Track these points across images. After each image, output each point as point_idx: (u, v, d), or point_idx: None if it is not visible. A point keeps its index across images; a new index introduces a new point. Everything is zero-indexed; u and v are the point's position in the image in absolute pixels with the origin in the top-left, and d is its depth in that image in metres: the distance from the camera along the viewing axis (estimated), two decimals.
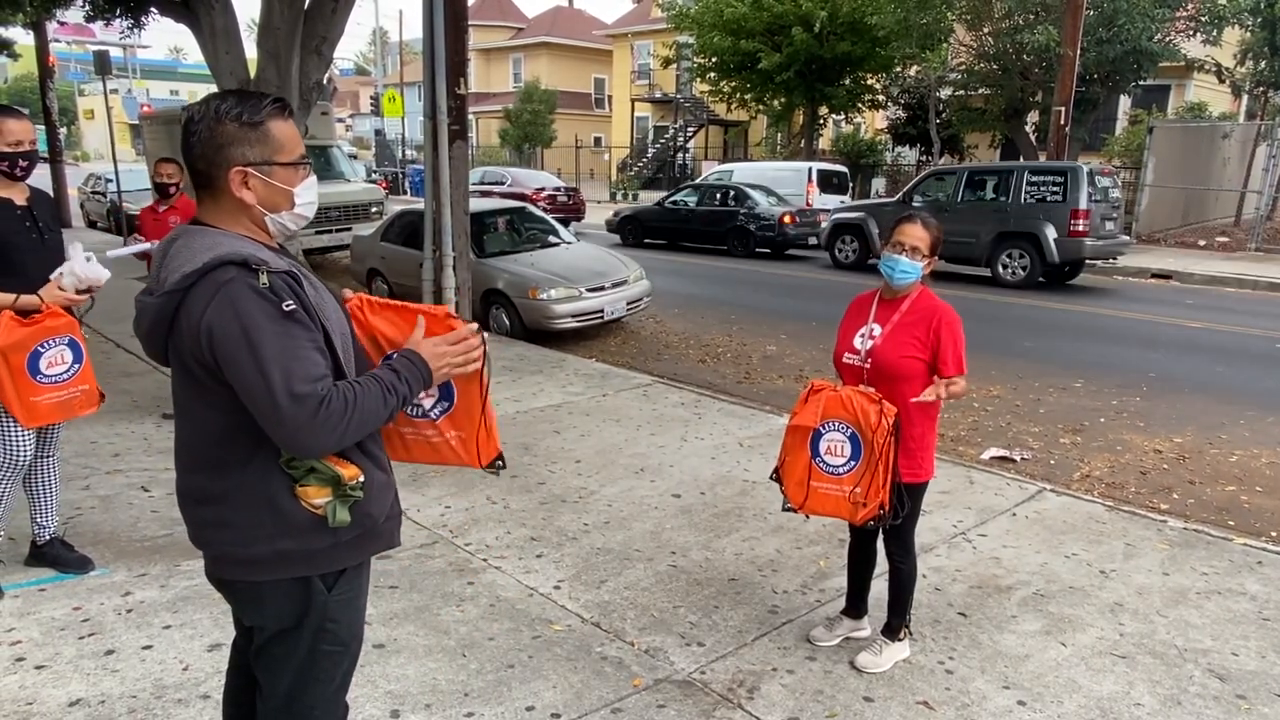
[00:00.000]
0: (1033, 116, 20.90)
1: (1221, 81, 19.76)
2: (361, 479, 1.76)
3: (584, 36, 46.41)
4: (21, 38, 21.06)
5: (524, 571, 3.84)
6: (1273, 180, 17.78)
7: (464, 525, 4.30)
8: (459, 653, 3.18)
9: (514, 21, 50.52)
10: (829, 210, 16.67)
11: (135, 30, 11.38)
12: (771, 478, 3.19)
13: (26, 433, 3.44)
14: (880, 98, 26.99)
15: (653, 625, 3.42)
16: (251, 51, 9.25)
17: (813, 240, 16.44)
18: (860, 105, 27.03)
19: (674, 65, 31.69)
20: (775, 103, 26.98)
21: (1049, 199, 12.63)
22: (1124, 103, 23.98)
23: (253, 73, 9.26)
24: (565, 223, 15.00)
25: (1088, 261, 13.31)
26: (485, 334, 1.99)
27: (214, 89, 7.64)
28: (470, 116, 20.85)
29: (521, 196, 18.34)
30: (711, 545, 4.16)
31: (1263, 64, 18.92)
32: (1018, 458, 5.73)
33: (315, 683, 1.88)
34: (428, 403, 2.12)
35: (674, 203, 18.36)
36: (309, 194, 1.83)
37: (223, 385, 1.65)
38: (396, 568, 3.80)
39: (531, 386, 6.91)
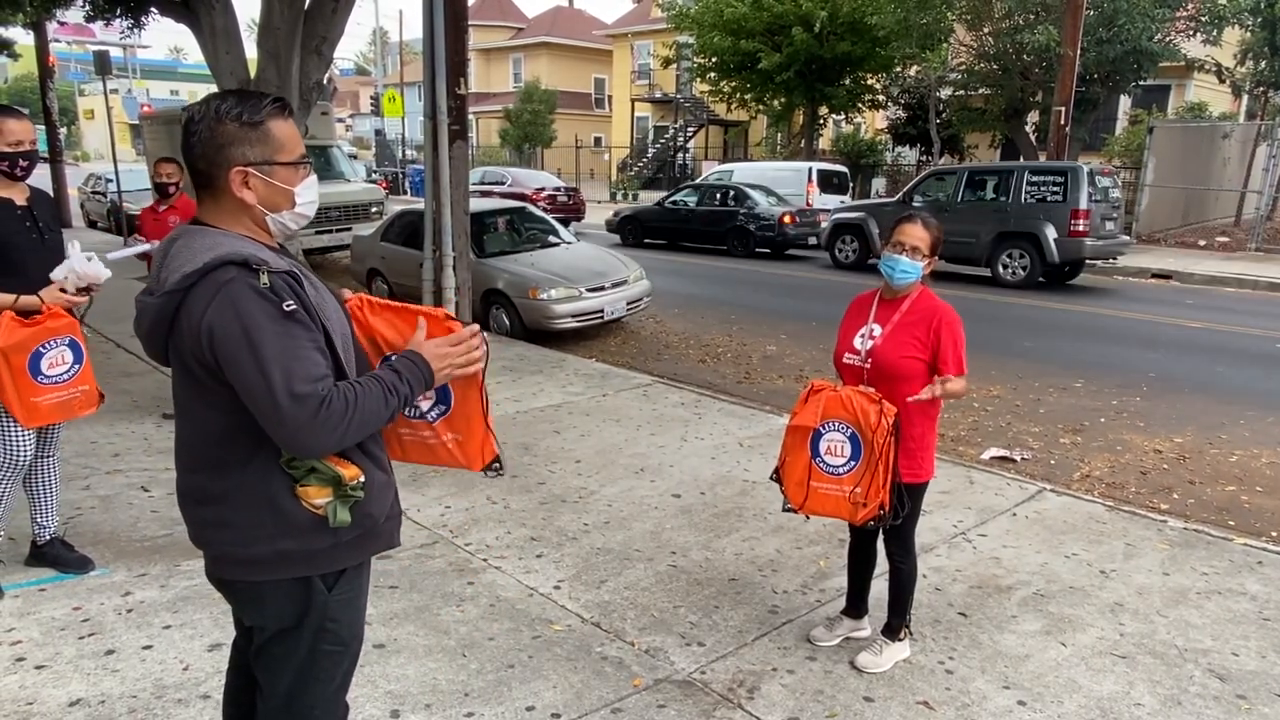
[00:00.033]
0: (1033, 116, 20.90)
1: (1222, 81, 19.76)
2: (362, 479, 1.76)
3: (584, 36, 46.42)
4: (21, 38, 21.08)
5: (524, 571, 3.84)
6: (1273, 180, 17.78)
7: (464, 525, 4.30)
8: (459, 653, 3.18)
9: (514, 21, 50.53)
10: (829, 210, 16.67)
11: (135, 30, 11.38)
12: (772, 478, 3.19)
13: (26, 433, 3.44)
14: (880, 98, 26.99)
15: (653, 625, 3.42)
16: (251, 51, 9.25)
17: (812, 240, 16.43)
18: (860, 105, 27.03)
19: (674, 65, 31.69)
20: (775, 103, 26.98)
21: (1049, 199, 12.63)
22: (1124, 103, 23.98)
23: (253, 73, 9.26)
24: (565, 223, 15.01)
25: (1088, 261, 13.30)
26: (485, 335, 1.99)
27: (214, 89, 7.64)
28: (470, 116, 20.84)
29: (521, 196, 18.34)
30: (711, 545, 4.16)
31: (1263, 64, 18.91)
32: (1018, 458, 5.73)
33: (315, 682, 1.88)
34: (425, 405, 2.11)
35: (674, 203, 18.36)
36: (309, 193, 1.83)
37: (223, 385, 1.65)
38: (396, 568, 3.80)
39: (531, 386, 6.91)
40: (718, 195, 17.76)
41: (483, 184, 21.79)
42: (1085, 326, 10.10)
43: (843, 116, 29.53)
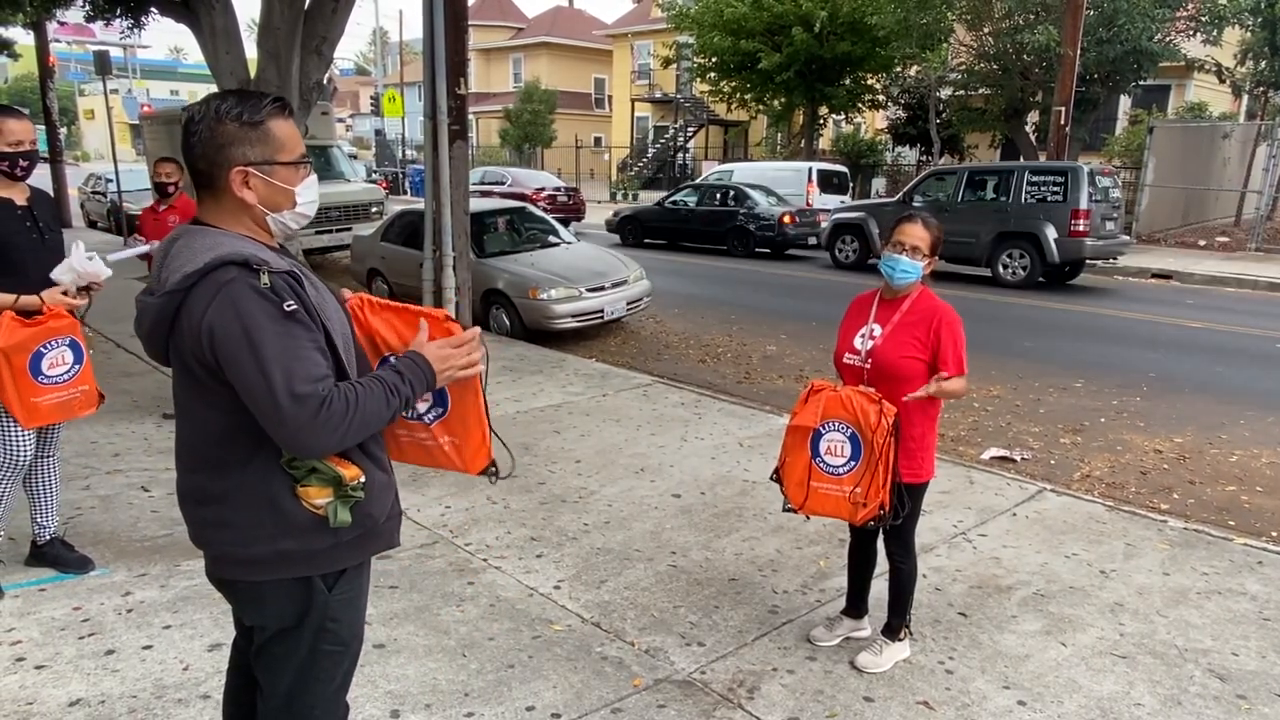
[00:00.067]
0: (1033, 116, 20.90)
1: (1222, 81, 19.76)
2: (363, 479, 1.76)
3: (584, 36, 46.42)
4: (22, 38, 21.09)
5: (524, 571, 3.84)
6: (1273, 180, 17.78)
7: (464, 525, 4.30)
8: (459, 653, 3.18)
9: (514, 21, 50.53)
10: (829, 210, 16.67)
11: (135, 30, 11.37)
12: (772, 478, 3.19)
13: (27, 433, 3.44)
14: (880, 98, 26.99)
15: (653, 625, 3.42)
16: (252, 51, 9.25)
17: (812, 240, 16.43)
18: (860, 105, 27.03)
19: (674, 65, 31.69)
20: (775, 103, 26.98)
21: (1049, 199, 12.63)
22: (1124, 103, 23.99)
23: (253, 73, 9.26)
24: (565, 223, 15.01)
25: (1088, 261, 13.30)
26: (483, 335, 1.99)
27: (214, 89, 7.64)
28: (470, 116, 20.86)
29: (521, 196, 18.35)
30: (711, 545, 4.16)
31: (1263, 64, 18.91)
32: (1018, 458, 5.73)
33: (316, 682, 1.88)
34: (422, 406, 2.10)
35: (674, 203, 18.36)
36: (310, 193, 1.83)
37: (224, 385, 1.65)
38: (397, 568, 3.80)
39: (531, 386, 6.91)
40: (718, 195, 17.76)
41: (483, 184, 21.79)
42: (1085, 326, 10.10)
43: (843, 116, 29.53)
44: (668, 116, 39.08)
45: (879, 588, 3.35)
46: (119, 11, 10.65)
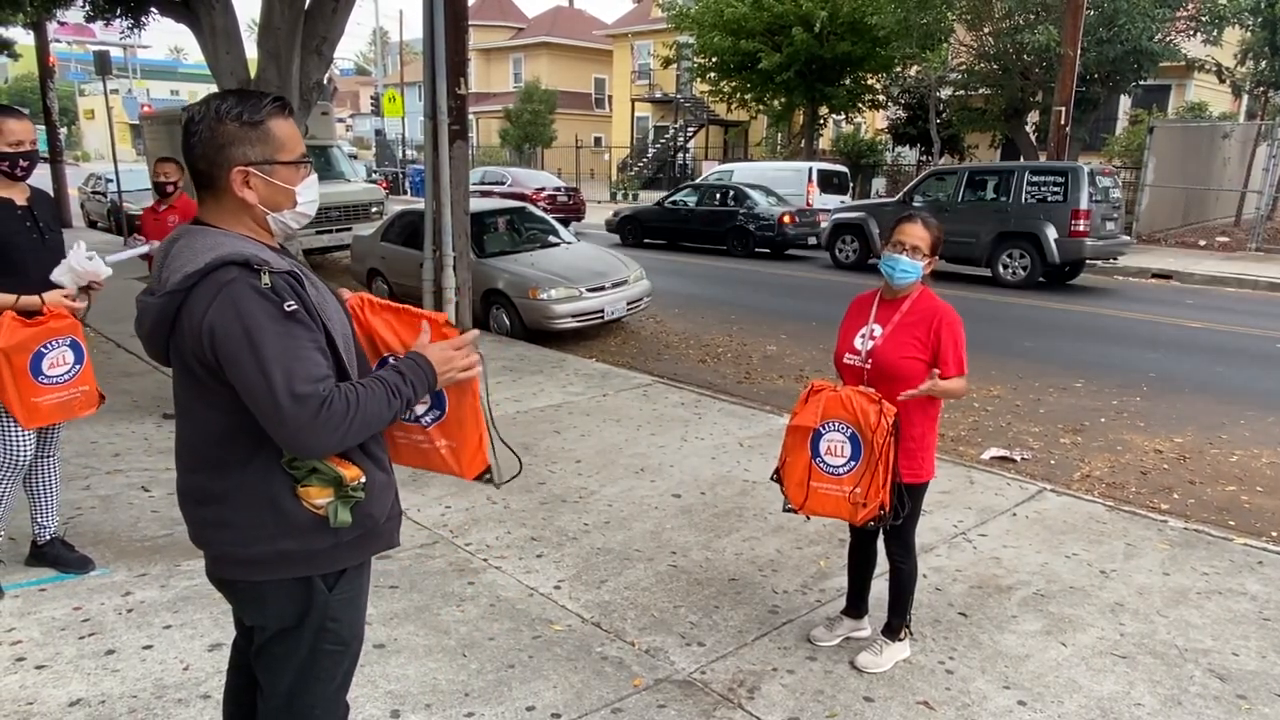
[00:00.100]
0: (1033, 116, 20.90)
1: (1222, 81, 19.75)
2: (363, 480, 1.77)
3: (584, 36, 46.42)
4: (22, 38, 21.09)
5: (524, 571, 3.84)
6: (1273, 180, 17.77)
7: (464, 525, 4.30)
8: (459, 653, 3.18)
9: (514, 21, 50.53)
10: (829, 210, 16.67)
11: (135, 30, 11.38)
12: (772, 478, 3.19)
13: (27, 433, 3.44)
14: (880, 98, 26.99)
15: (653, 625, 3.42)
16: (252, 51, 9.25)
17: (812, 240, 16.44)
18: (860, 105, 27.03)
19: (674, 65, 31.69)
20: (775, 103, 26.98)
21: (1050, 199, 12.63)
22: (1124, 103, 23.98)
23: (253, 73, 9.26)
24: (565, 223, 15.01)
25: (1088, 261, 13.30)
26: (483, 336, 1.99)
27: (214, 89, 7.65)
28: (470, 116, 20.85)
29: (522, 196, 18.35)
30: (712, 545, 4.16)
31: (1263, 64, 18.91)
32: (1018, 458, 5.73)
33: (316, 682, 1.88)
34: (420, 409, 2.10)
35: (674, 203, 18.36)
36: (310, 192, 1.83)
37: (224, 385, 1.65)
38: (397, 568, 3.80)
39: (532, 386, 6.91)
40: (717, 195, 17.76)
41: (483, 184, 21.79)
42: (1085, 326, 10.11)
43: (843, 116, 29.54)
44: (668, 116, 39.08)
45: (879, 588, 3.35)
46: (119, 11, 10.65)
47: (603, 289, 9.09)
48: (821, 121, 28.32)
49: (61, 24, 22.18)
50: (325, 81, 11.73)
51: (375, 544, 1.90)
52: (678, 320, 10.37)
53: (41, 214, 3.47)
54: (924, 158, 26.68)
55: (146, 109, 21.00)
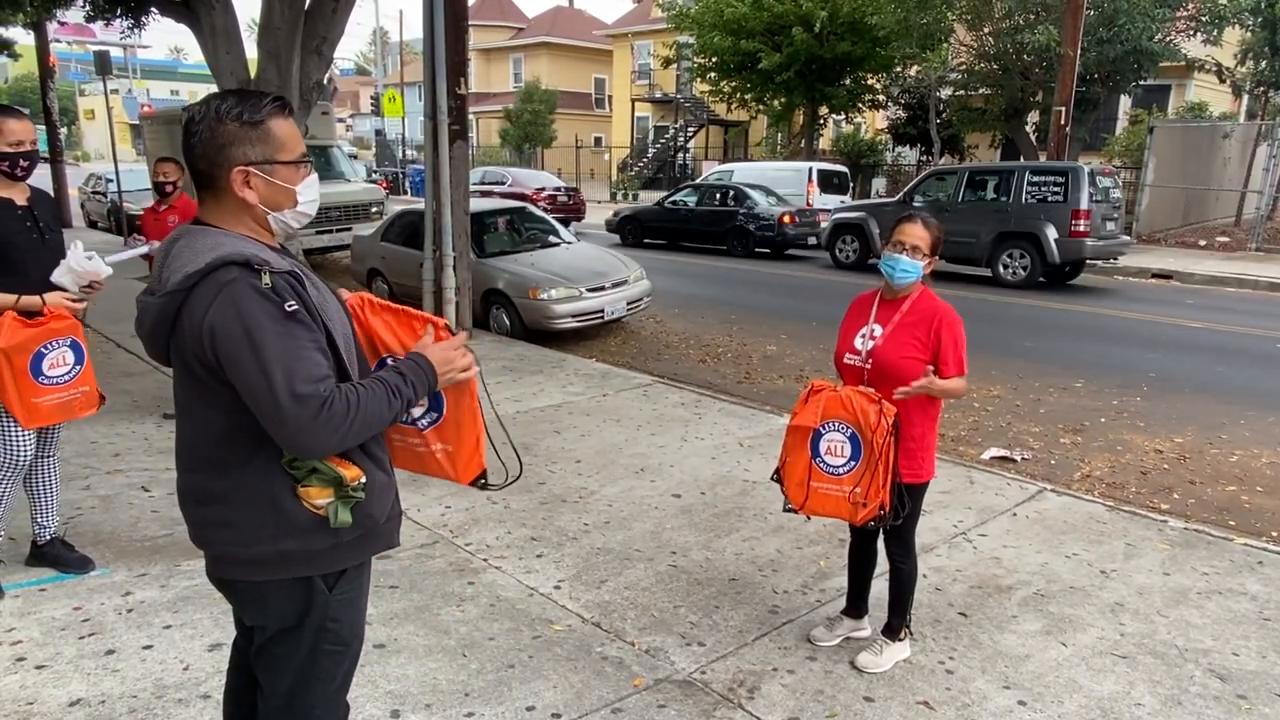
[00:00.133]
0: (1033, 116, 20.90)
1: (1222, 81, 19.75)
2: (363, 480, 1.77)
3: (584, 36, 46.42)
4: (22, 38, 21.10)
5: (524, 571, 3.84)
6: (1273, 180, 17.77)
7: (464, 525, 4.30)
8: (459, 653, 3.18)
9: (514, 21, 50.53)
10: (829, 210, 16.67)
11: (135, 30, 11.37)
12: (773, 478, 3.19)
13: (27, 433, 3.44)
14: (880, 98, 26.99)
15: (653, 625, 3.42)
16: (252, 51, 9.25)
17: (812, 240, 16.44)
18: (860, 105, 27.03)
19: (674, 65, 31.69)
20: (775, 103, 26.98)
21: (1050, 199, 12.63)
22: (1124, 103, 23.98)
23: (253, 73, 9.26)
24: (565, 223, 15.01)
25: (1088, 261, 13.30)
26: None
27: (214, 89, 7.64)
28: (470, 116, 20.85)
29: (522, 196, 18.35)
30: (712, 545, 4.16)
31: (1263, 64, 18.91)
32: (1018, 458, 5.73)
33: (316, 682, 1.88)
34: (417, 411, 2.10)
35: (674, 203, 18.36)
36: (311, 192, 1.83)
37: (224, 385, 1.65)
38: (397, 568, 3.80)
39: (532, 386, 6.91)
40: (717, 195, 17.77)
41: (483, 184, 21.80)
42: (1086, 326, 10.11)
43: (843, 116, 29.54)
44: (668, 116, 39.08)
45: (879, 588, 3.35)
46: (119, 11, 10.65)
47: (603, 289, 9.09)
48: (821, 121, 28.32)
49: (61, 24, 22.19)
50: (325, 81, 11.73)
51: (375, 544, 1.90)
52: (678, 320, 10.37)
53: (42, 214, 3.47)
54: (924, 158, 26.68)
55: (146, 109, 21.00)
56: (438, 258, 8.21)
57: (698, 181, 21.73)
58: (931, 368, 2.86)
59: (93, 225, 20.41)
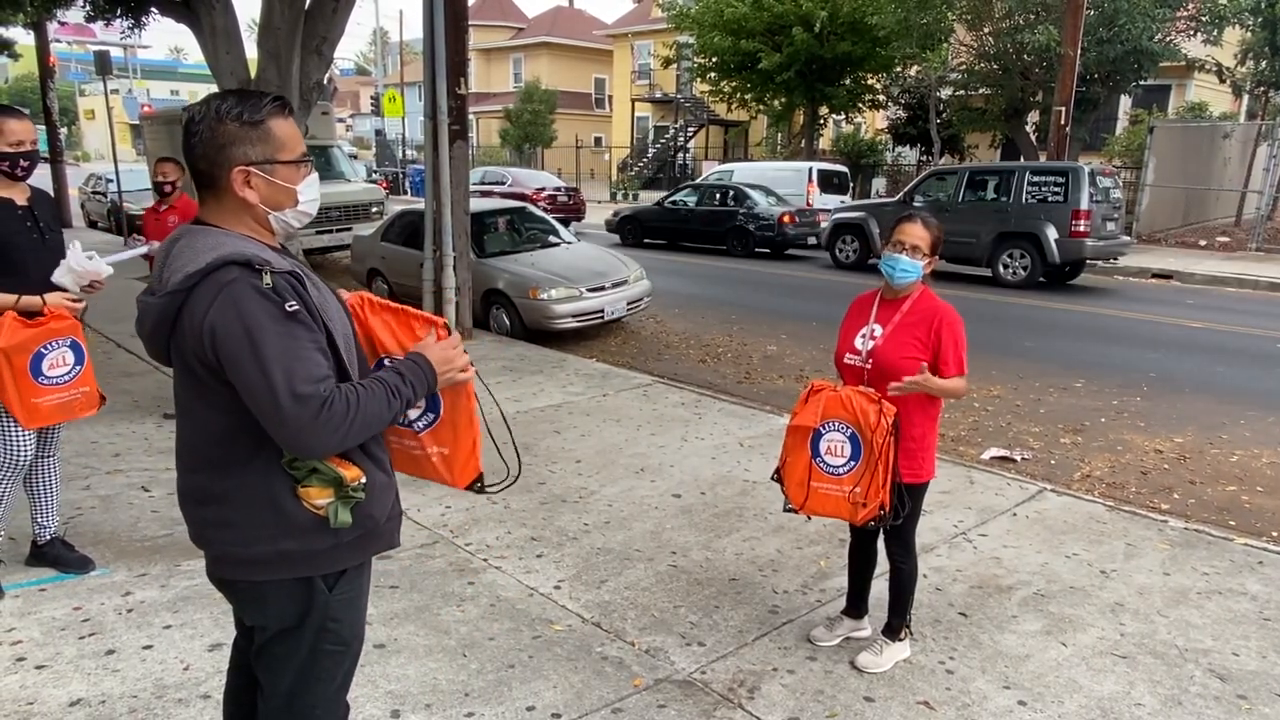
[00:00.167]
0: (1033, 116, 20.90)
1: (1222, 81, 19.75)
2: (363, 480, 1.77)
3: (584, 36, 46.42)
4: (22, 38, 21.10)
5: (524, 571, 3.84)
6: (1273, 180, 17.77)
7: (464, 525, 4.30)
8: (459, 653, 3.18)
9: (514, 21, 50.53)
10: (829, 210, 16.67)
11: (135, 30, 11.38)
12: (773, 478, 3.19)
13: (27, 433, 3.44)
14: (880, 98, 26.99)
15: (653, 625, 3.42)
16: (252, 51, 9.25)
17: (812, 240, 16.45)
18: (860, 105, 27.03)
19: (674, 65, 31.69)
20: (775, 103, 26.98)
21: (1050, 199, 12.63)
22: (1124, 103, 23.98)
23: (253, 73, 9.26)
24: (565, 223, 15.01)
25: (1088, 261, 13.30)
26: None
27: (214, 89, 7.64)
28: (470, 116, 20.84)
29: (522, 196, 18.35)
30: (712, 545, 4.16)
31: (1263, 64, 18.91)
32: (1018, 458, 5.73)
33: (316, 682, 1.88)
34: (413, 413, 2.09)
35: (673, 203, 18.36)
36: (311, 191, 1.83)
37: (225, 385, 1.66)
38: (397, 568, 3.80)
39: (532, 386, 6.91)
40: (717, 195, 17.77)
41: (483, 184, 21.80)
42: (1086, 326, 10.10)
43: (843, 116, 29.53)
44: (668, 116, 39.08)
45: (879, 588, 3.35)
46: (119, 11, 10.65)
47: (603, 289, 9.09)
48: (821, 121, 28.32)
49: (62, 24, 22.19)
50: (325, 81, 11.72)
51: (376, 544, 1.90)
52: (678, 320, 10.37)
53: (42, 214, 3.47)
54: (924, 158, 26.68)
55: (146, 109, 21.01)
56: (438, 258, 8.21)
57: (698, 181, 21.73)
58: (926, 364, 2.86)
59: (93, 225, 20.42)
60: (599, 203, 28.03)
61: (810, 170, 19.65)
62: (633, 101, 40.02)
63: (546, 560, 3.95)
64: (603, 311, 9.00)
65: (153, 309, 1.70)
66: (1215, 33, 17.47)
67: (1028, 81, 18.91)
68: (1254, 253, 16.84)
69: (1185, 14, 18.24)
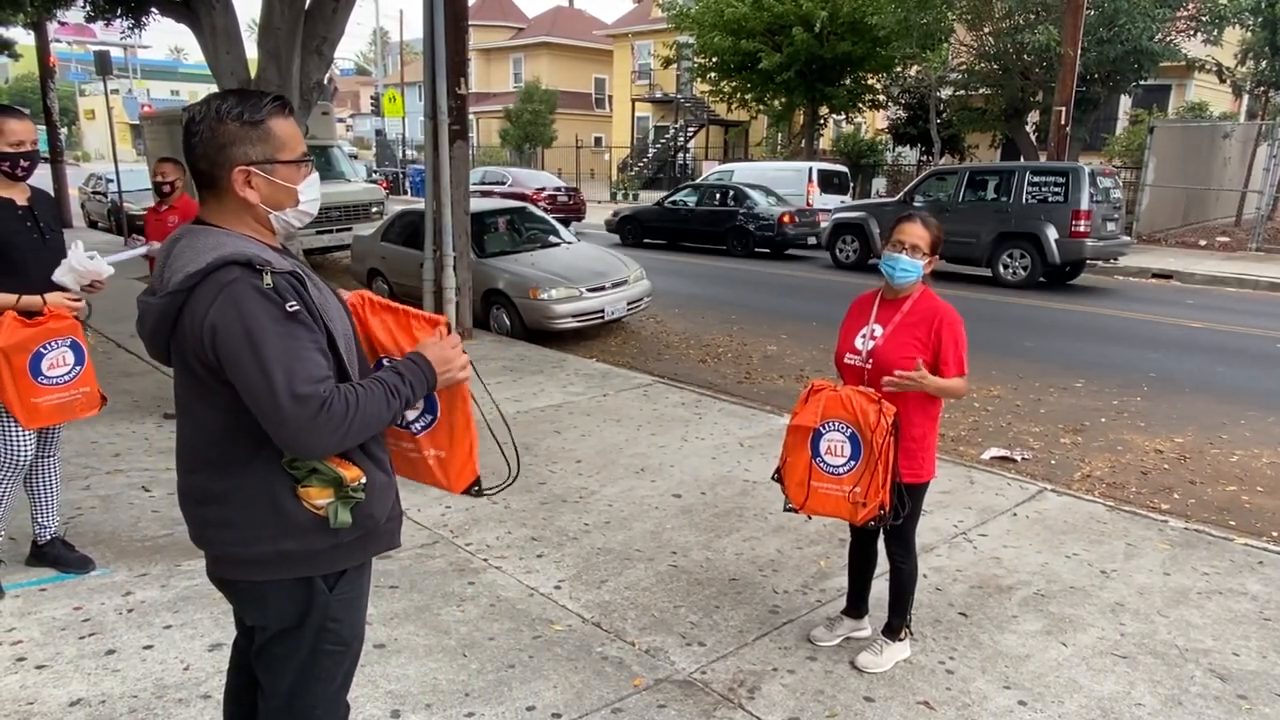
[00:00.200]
0: (1033, 116, 20.90)
1: (1222, 81, 19.75)
2: (363, 480, 1.77)
3: (584, 36, 46.42)
4: (22, 38, 21.11)
5: (524, 571, 3.84)
6: (1273, 180, 17.77)
7: (464, 525, 4.30)
8: (459, 653, 3.18)
9: (514, 21, 50.54)
10: (829, 210, 16.67)
11: (135, 30, 11.37)
12: (773, 478, 3.19)
13: (27, 433, 3.44)
14: (881, 98, 26.99)
15: (653, 625, 3.42)
16: (252, 51, 9.24)
17: (812, 240, 16.44)
18: (861, 105, 27.03)
19: (674, 65, 31.69)
20: (775, 103, 26.98)
21: (1050, 199, 12.63)
22: (1124, 103, 23.99)
23: (253, 73, 9.26)
24: (566, 223, 15.01)
25: (1088, 261, 13.30)
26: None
27: (215, 89, 7.64)
28: (470, 116, 20.82)
29: (522, 196, 18.35)
30: (712, 545, 4.16)
31: (1263, 64, 18.91)
32: (1018, 458, 5.73)
33: (317, 682, 1.88)
34: (411, 415, 2.08)
35: (674, 203, 18.36)
36: (312, 191, 1.83)
37: (225, 385, 1.66)
38: (397, 568, 3.80)
39: (532, 386, 6.91)
40: (717, 195, 17.77)
41: (483, 184, 21.80)
42: (1086, 326, 10.10)
43: (843, 116, 29.53)
44: (668, 116, 39.08)
45: (879, 588, 3.35)
46: (119, 11, 10.65)
47: (603, 289, 9.09)
48: (822, 121, 28.32)
49: (62, 24, 22.20)
50: (325, 81, 11.72)
51: (376, 544, 1.90)
52: (678, 320, 10.37)
53: (42, 214, 3.48)
54: (924, 158, 26.68)
55: (147, 109, 21.01)
56: (438, 258, 8.21)
57: (698, 181, 21.73)
58: (922, 361, 2.86)
59: (93, 225, 20.43)
60: (599, 203, 28.03)
61: (810, 170, 19.65)
62: (633, 101, 40.02)
63: (547, 560, 3.95)
64: (603, 311, 9.00)
65: (153, 309, 1.70)
66: (1215, 33, 17.47)
67: (1028, 81, 18.91)
68: (1254, 253, 16.84)
69: (1185, 14, 18.24)
